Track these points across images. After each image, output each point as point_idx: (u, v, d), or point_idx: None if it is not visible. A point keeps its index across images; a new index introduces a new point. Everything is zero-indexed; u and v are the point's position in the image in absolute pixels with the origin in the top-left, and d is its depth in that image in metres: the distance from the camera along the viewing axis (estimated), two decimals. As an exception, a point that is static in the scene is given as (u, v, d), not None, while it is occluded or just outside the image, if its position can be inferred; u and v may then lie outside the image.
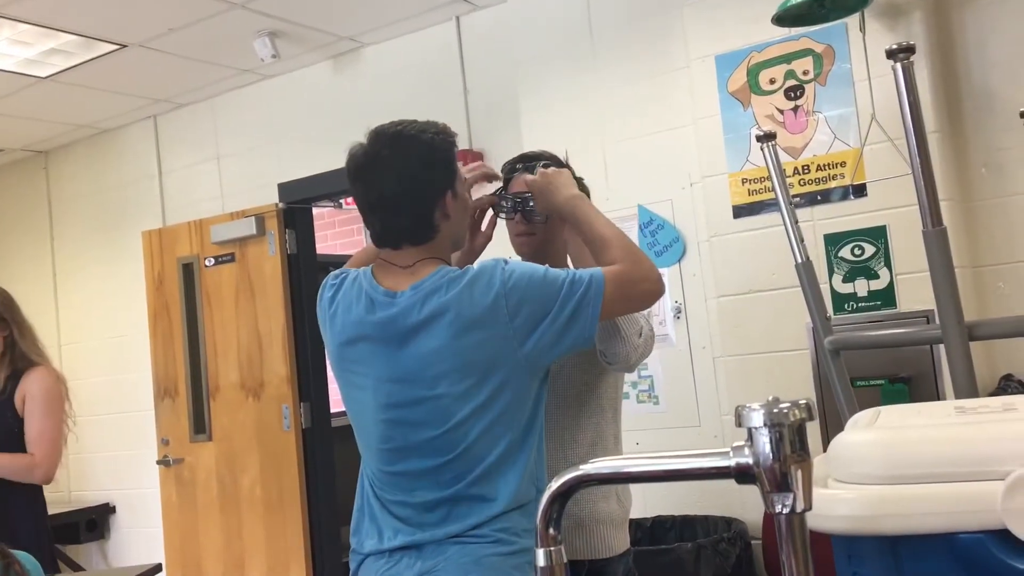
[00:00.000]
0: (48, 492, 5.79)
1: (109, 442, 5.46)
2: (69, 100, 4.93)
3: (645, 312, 1.88)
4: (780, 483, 0.76)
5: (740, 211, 3.39)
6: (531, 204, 1.92)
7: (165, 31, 4.14)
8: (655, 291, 1.71)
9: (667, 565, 3.12)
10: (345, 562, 4.58)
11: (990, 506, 0.91)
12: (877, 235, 3.16)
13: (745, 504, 3.38)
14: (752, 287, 3.36)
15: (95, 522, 5.38)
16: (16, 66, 4.37)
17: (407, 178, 1.68)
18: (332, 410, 4.67)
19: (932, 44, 3.18)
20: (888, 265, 3.14)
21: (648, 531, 3.52)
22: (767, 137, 2.23)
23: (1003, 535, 0.90)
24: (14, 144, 5.66)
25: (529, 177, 1.91)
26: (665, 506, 3.57)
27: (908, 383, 3.07)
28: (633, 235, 3.60)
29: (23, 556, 1.86)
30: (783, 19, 3.08)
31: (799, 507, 0.77)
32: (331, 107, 4.66)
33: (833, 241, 3.22)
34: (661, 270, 3.60)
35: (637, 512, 3.04)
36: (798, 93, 3.29)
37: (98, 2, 3.79)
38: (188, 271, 4.87)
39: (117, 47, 4.26)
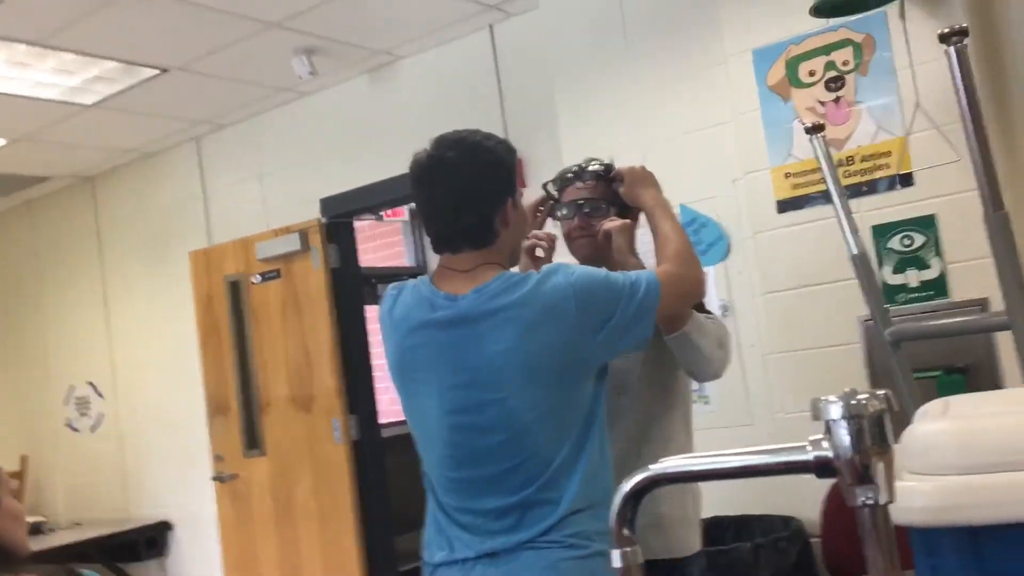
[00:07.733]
0: (107, 511, 5.91)
1: (165, 460, 5.54)
2: (113, 126, 5.02)
3: (716, 313, 1.99)
4: (862, 475, 0.76)
5: (785, 206, 3.36)
6: (587, 209, 2.02)
7: (204, 54, 4.20)
8: (699, 292, 1.89)
9: (726, 566, 3.09)
10: (401, 571, 4.59)
11: (1074, 492, 0.89)
12: (926, 224, 3.11)
13: (803, 502, 3.33)
14: (800, 282, 3.32)
15: (154, 539, 5.46)
16: (61, 95, 4.46)
17: (471, 179, 1.71)
18: (381, 421, 4.70)
19: (975, 28, 3.12)
20: (939, 254, 3.09)
21: (705, 532, 3.49)
22: (816, 129, 2.21)
23: (1089, 521, 0.88)
24: (62, 171, 5.78)
25: (627, 167, 2.04)
26: (721, 506, 3.53)
27: (965, 373, 3.01)
28: (677, 235, 3.58)
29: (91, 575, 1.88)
30: (820, 10, 3.05)
31: (882, 499, 0.76)
32: (369, 121, 4.70)
33: (881, 232, 3.18)
34: (706, 268, 3.62)
35: (694, 513, 3.01)
36: (839, 84, 3.25)
37: (138, 28, 3.85)
38: (235, 289, 4.93)
39: (158, 71, 4.34)
